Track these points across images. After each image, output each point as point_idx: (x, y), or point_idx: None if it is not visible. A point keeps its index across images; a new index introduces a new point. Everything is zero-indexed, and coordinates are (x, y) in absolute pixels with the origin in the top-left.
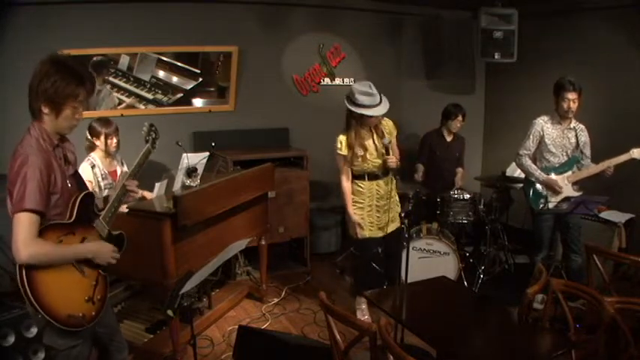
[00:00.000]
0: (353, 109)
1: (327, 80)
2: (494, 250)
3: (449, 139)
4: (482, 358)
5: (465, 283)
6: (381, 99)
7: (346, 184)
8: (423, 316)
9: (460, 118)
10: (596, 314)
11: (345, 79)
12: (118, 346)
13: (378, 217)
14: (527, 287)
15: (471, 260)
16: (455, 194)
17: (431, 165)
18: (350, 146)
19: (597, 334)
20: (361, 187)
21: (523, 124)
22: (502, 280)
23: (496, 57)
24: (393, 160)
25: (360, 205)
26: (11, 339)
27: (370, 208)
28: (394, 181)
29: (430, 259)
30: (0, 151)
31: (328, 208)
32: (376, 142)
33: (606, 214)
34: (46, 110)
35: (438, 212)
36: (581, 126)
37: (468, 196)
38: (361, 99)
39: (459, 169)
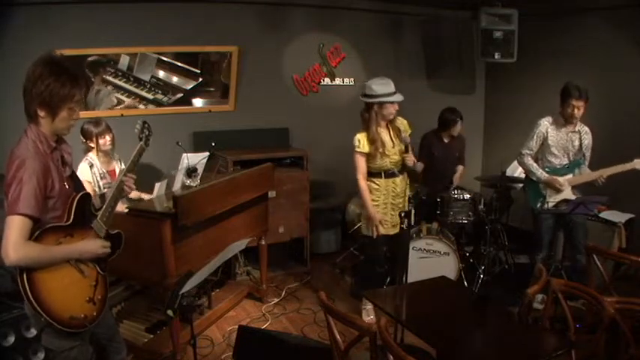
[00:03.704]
0: (371, 100)
1: (327, 80)
2: (494, 250)
3: (447, 140)
4: (482, 358)
5: (465, 283)
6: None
7: (364, 182)
8: (423, 316)
9: (459, 123)
10: (596, 314)
11: (345, 79)
12: (117, 348)
13: (392, 214)
14: (527, 287)
15: (471, 260)
16: (455, 194)
17: (430, 165)
18: (372, 141)
19: (597, 334)
20: (378, 185)
21: (523, 124)
22: (502, 280)
23: (496, 57)
24: (411, 157)
25: (376, 203)
26: (11, 339)
27: (385, 205)
28: (408, 180)
29: (430, 259)
30: (0, 151)
31: (328, 208)
32: (393, 138)
33: (606, 214)
34: (42, 113)
35: (438, 212)
36: (586, 129)
37: (468, 196)
38: (378, 89)
39: (459, 167)
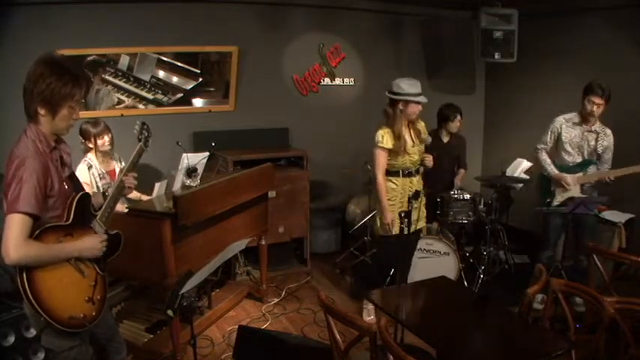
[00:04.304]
0: (400, 97)
1: (327, 80)
2: (494, 250)
3: (446, 139)
4: (482, 358)
5: (465, 283)
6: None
7: (382, 179)
8: (423, 316)
9: (458, 117)
10: (596, 314)
11: (345, 79)
12: (117, 348)
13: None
14: (527, 287)
15: (471, 260)
16: (455, 194)
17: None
18: (397, 137)
19: (597, 334)
20: (395, 184)
21: (523, 124)
22: (502, 280)
23: (496, 57)
24: (430, 158)
25: (392, 203)
26: (11, 339)
27: (402, 205)
28: (421, 180)
29: (430, 259)
30: (0, 151)
31: (328, 208)
32: (413, 138)
33: (606, 214)
34: (42, 112)
35: (438, 212)
36: (607, 131)
37: (468, 196)
38: (406, 87)
39: (461, 170)
